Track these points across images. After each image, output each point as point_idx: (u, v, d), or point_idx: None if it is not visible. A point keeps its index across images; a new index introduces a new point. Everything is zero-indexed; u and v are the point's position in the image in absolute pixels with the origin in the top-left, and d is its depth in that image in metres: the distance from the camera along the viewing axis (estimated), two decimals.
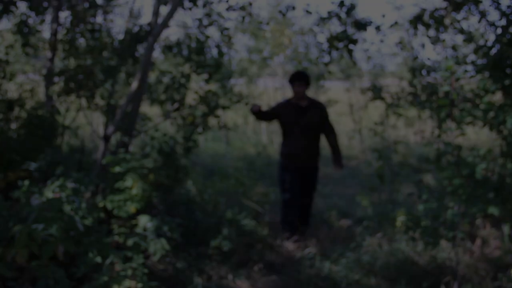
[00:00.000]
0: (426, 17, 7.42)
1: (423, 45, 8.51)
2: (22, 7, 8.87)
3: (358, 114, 19.51)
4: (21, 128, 7.61)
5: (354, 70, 18.91)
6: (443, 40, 8.36)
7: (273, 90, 21.83)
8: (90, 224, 5.02)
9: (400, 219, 6.84)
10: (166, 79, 7.86)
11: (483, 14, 6.41)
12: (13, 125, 7.90)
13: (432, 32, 7.93)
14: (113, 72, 7.49)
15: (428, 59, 8.22)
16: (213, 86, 9.21)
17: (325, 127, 7.05)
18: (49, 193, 4.88)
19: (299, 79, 6.87)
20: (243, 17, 8.42)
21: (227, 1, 8.25)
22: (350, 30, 7.51)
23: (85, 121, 9.22)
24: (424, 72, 8.08)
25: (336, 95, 20.73)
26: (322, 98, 20.20)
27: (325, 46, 7.96)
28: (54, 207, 4.56)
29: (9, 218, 4.94)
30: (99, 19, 10.32)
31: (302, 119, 6.84)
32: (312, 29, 17.88)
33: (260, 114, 6.80)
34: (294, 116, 6.84)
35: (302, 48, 17.90)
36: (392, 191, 9.50)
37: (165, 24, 6.69)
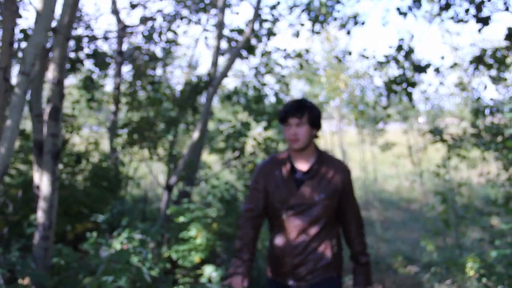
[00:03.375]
0: (486, 57, 7.30)
1: (485, 86, 8.35)
2: (88, 64, 9.29)
3: (417, 156, 19.16)
4: (87, 180, 7.84)
5: (412, 112, 18.68)
6: (505, 79, 8.19)
7: (330, 133, 21.79)
8: (157, 275, 5.08)
9: (470, 265, 6.59)
10: (225, 128, 7.96)
11: None
12: (79, 177, 8.15)
13: (493, 72, 7.79)
14: (174, 123, 7.66)
15: (491, 99, 8.04)
16: (271, 132, 9.28)
17: (344, 209, 3.48)
18: (117, 245, 4.97)
19: (294, 111, 3.37)
20: (300, 64, 8.50)
21: (284, 50, 8.36)
22: (408, 73, 7.47)
23: (147, 171, 9.41)
24: (487, 112, 7.91)
25: (393, 137, 20.48)
26: (380, 141, 20.02)
27: (383, 89, 7.92)
28: (123, 258, 4.63)
29: (79, 270, 5.07)
30: (159, 71, 10.67)
31: (299, 195, 3.38)
32: (367, 73, 17.89)
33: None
34: (285, 189, 3.40)
35: (358, 92, 17.87)
36: (458, 236, 9.19)
37: (224, 74, 6.83)
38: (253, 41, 8.43)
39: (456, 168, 15.84)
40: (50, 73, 4.79)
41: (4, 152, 3.78)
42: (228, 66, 6.79)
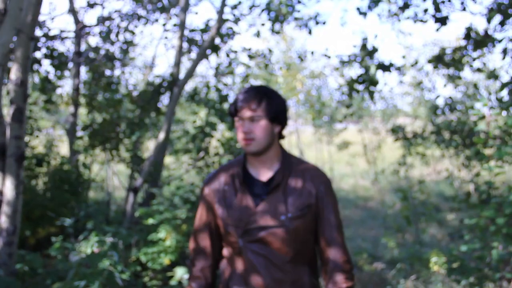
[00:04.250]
0: (445, 57, 7.49)
1: (444, 84, 8.56)
2: (45, 64, 9.06)
3: (371, 154, 19.51)
4: (48, 183, 7.64)
5: (366, 111, 19.01)
6: (460, 78, 8.41)
7: (287, 134, 21.95)
8: (128, 278, 4.98)
9: (434, 260, 6.74)
10: (193, 128, 7.91)
11: (505, 52, 6.45)
12: (40, 181, 7.94)
13: (451, 71, 7.99)
14: (138, 125, 7.56)
15: (450, 98, 8.25)
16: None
17: (321, 233, 2.46)
18: (87, 249, 4.86)
19: (247, 100, 2.41)
20: (266, 64, 8.53)
21: (249, 50, 8.37)
22: (371, 72, 7.58)
23: (108, 174, 9.25)
24: (446, 110, 8.11)
25: (349, 136, 20.80)
26: (336, 141, 20.27)
27: (345, 88, 8.02)
28: (94, 262, 4.53)
29: (46, 275, 4.92)
30: (117, 72, 10.52)
31: (258, 215, 2.43)
32: (322, 73, 18.09)
33: None
34: (239, 208, 2.46)
35: (314, 92, 18.08)
36: (418, 232, 9.39)
37: (190, 75, 6.79)
38: (216, 41, 8.39)
39: (412, 165, 16.21)
40: (13, 74, 4.64)
41: None
42: (194, 66, 6.74)
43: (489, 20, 6.16)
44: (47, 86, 8.80)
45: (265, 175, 2.43)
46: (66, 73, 9.71)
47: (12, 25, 3.86)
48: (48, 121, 13.95)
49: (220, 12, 7.54)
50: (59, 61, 8.89)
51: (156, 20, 11.50)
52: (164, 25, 9.79)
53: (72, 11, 9.16)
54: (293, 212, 2.35)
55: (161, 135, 6.77)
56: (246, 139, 2.34)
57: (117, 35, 10.78)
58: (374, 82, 7.54)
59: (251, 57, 8.54)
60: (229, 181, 2.47)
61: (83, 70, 9.52)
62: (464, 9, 7.43)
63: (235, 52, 8.42)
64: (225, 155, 7.82)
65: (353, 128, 21.11)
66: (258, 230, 2.36)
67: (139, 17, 11.22)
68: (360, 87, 7.81)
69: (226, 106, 8.14)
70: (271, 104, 2.36)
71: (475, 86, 7.51)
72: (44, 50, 8.52)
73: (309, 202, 2.37)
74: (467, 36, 6.89)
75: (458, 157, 9.64)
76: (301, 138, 20.81)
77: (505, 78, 6.14)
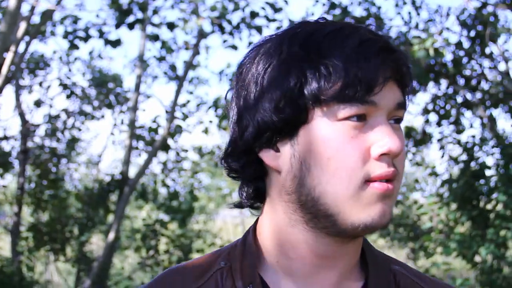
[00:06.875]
0: None
1: None
2: None
3: None
4: None
5: None
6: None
7: (233, 225, 21.84)
8: None
9: None
10: (142, 226, 7.86)
11: (443, 147, 6.86)
12: None
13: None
14: (86, 225, 7.46)
15: None
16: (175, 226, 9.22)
17: None
18: None
19: (399, 71, 0.81)
20: (215, 163, 8.68)
21: (200, 149, 8.54)
22: None
23: (54, 275, 8.96)
24: None
25: None
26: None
27: None
28: None
29: None
30: (62, 169, 10.45)
31: None
32: None
33: None
34: None
35: None
36: None
37: (141, 174, 6.85)
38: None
39: None
40: None
41: None
42: (145, 166, 6.83)
43: (426, 121, 6.59)
44: None
45: None
46: (12, 171, 9.57)
47: None
48: None
49: (172, 111, 7.74)
50: (4, 160, 8.78)
51: (103, 116, 11.62)
52: (114, 125, 9.89)
53: (20, 112, 9.17)
54: None
55: (111, 235, 6.71)
56: (389, 175, 0.78)
57: (62, 132, 10.80)
58: None
59: (201, 155, 8.70)
60: None
61: (29, 168, 9.41)
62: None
63: (186, 151, 8.56)
64: (175, 252, 7.77)
65: None
66: None
67: (85, 114, 11.33)
68: None
69: (175, 203, 8.14)
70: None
71: (416, 181, 7.89)
72: None
73: None
74: (407, 135, 7.30)
75: (402, 249, 9.88)
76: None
77: (444, 176, 6.49)
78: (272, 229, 0.85)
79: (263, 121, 0.79)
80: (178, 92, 8.02)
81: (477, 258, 5.88)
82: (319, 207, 0.78)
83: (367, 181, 0.76)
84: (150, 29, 7.73)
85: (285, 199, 0.82)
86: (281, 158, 0.80)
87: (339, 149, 0.76)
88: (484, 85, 6.66)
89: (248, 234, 0.89)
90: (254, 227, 0.90)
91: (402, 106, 0.80)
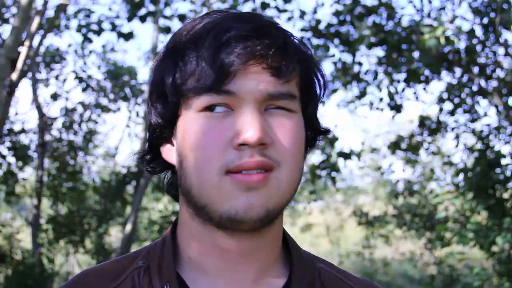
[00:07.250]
0: (402, 143, 7.83)
1: (403, 169, 8.89)
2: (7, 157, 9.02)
3: (334, 235, 19.59)
4: (10, 279, 7.44)
5: (326, 192, 19.27)
6: (417, 161, 8.77)
7: None
8: None
9: None
10: (155, 217, 7.92)
11: (457, 136, 6.82)
12: (1, 277, 7.73)
13: (408, 156, 8.32)
14: (104, 217, 7.54)
15: (409, 181, 8.56)
16: None
17: None
18: None
19: (257, 50, 0.77)
20: None
21: None
22: (332, 159, 7.83)
23: (74, 266, 9.08)
24: (406, 193, 8.38)
25: (311, 216, 20.89)
26: (299, 222, 20.33)
27: (307, 174, 8.23)
28: None
29: None
30: (80, 162, 10.55)
31: None
32: None
33: None
34: None
35: None
36: None
37: None
38: None
39: (374, 246, 16.36)
40: None
41: None
42: None
43: (440, 110, 6.53)
44: (9, 178, 8.74)
45: None
46: (31, 164, 9.69)
47: None
48: (5, 211, 13.65)
49: None
50: (23, 154, 8.90)
51: (119, 109, 11.69)
52: (129, 117, 9.95)
53: (37, 105, 9.28)
54: None
55: (128, 227, 6.78)
56: (259, 166, 0.76)
57: (79, 125, 10.89)
58: (336, 169, 7.78)
59: None
60: None
61: (47, 161, 9.52)
62: (417, 98, 7.86)
63: None
64: None
65: (315, 207, 21.27)
66: None
67: (102, 107, 11.40)
68: (322, 173, 8.04)
69: None
70: (316, 78, 0.86)
71: (432, 170, 7.84)
72: (7, 144, 8.54)
73: None
74: (421, 124, 7.26)
75: (419, 239, 9.85)
76: None
77: (460, 164, 6.45)
78: (183, 224, 0.84)
79: (151, 119, 0.83)
80: None
81: (495, 248, 5.85)
82: (193, 199, 0.78)
83: (229, 172, 0.74)
84: (162, 22, 7.75)
85: (181, 192, 0.83)
86: (173, 152, 0.83)
87: (198, 140, 0.76)
88: (500, 73, 6.57)
89: (168, 232, 0.86)
90: (174, 224, 0.88)
91: (277, 96, 0.76)
